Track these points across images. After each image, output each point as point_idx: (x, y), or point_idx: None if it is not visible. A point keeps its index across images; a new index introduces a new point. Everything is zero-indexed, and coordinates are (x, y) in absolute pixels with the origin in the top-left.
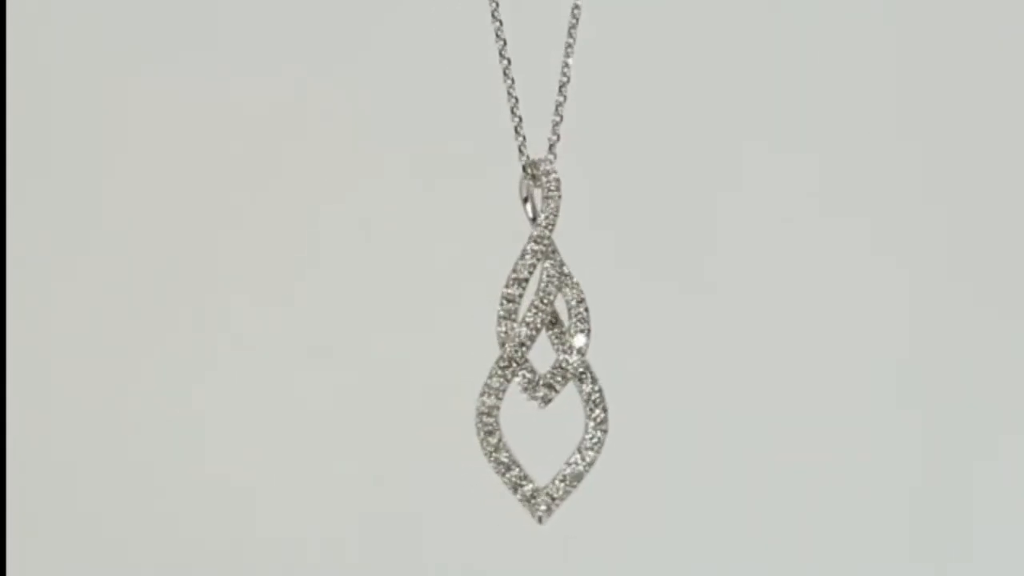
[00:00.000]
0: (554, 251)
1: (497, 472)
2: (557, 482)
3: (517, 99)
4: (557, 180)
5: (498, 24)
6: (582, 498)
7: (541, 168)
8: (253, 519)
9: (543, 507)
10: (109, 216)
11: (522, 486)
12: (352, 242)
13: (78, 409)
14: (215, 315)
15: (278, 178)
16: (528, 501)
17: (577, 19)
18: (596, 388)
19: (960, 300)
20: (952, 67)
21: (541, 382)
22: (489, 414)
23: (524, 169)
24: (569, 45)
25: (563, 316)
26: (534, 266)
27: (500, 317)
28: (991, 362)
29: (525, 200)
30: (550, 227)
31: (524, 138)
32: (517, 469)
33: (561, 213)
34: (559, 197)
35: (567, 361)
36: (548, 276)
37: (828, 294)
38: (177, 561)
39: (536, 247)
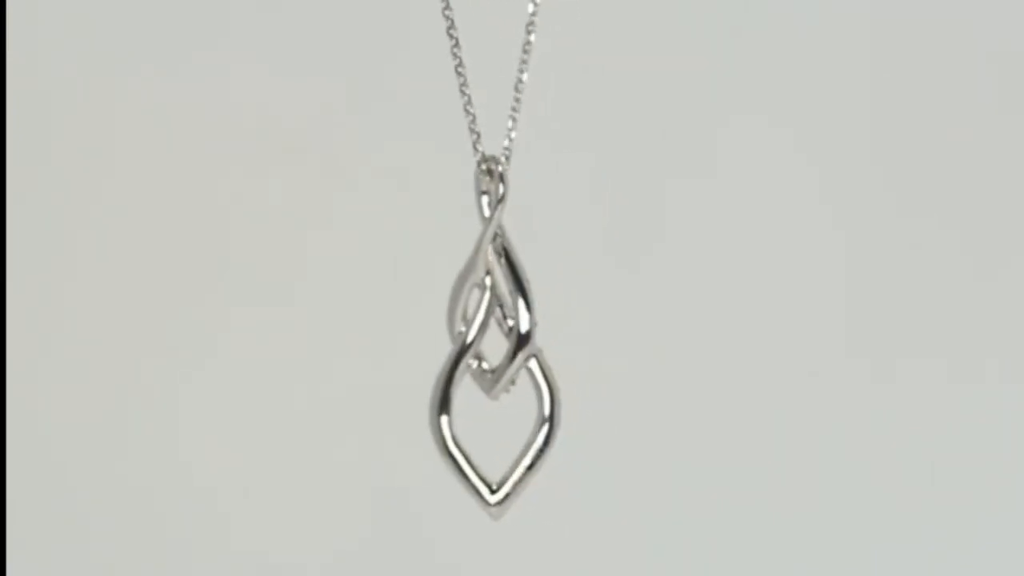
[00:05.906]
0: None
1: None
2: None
3: (470, 96)
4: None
5: (451, 23)
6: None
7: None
8: (245, 530)
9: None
10: (99, 220)
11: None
12: (348, 246)
13: (77, 414)
14: (211, 320)
15: (278, 181)
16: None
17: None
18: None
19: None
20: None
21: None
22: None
23: (479, 164)
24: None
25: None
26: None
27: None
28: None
29: (483, 193)
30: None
31: (478, 135)
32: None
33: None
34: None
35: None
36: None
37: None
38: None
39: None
